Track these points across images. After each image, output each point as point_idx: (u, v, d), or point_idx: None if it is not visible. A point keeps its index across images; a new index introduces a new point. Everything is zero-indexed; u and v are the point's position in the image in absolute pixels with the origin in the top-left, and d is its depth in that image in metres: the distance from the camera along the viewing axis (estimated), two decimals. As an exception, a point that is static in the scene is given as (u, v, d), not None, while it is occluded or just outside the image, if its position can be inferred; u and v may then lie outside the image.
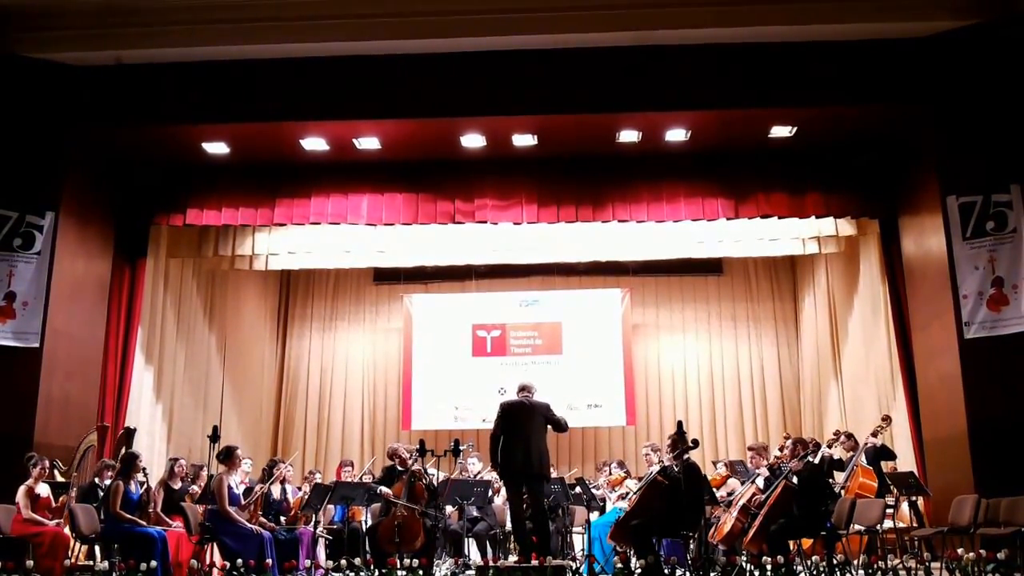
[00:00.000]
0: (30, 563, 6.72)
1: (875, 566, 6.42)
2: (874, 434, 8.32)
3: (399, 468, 8.06)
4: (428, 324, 12.74)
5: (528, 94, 8.32)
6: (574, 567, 6.83)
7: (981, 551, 6.25)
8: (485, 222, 9.31)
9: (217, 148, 8.90)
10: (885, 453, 8.30)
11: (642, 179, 9.15)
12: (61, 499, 7.27)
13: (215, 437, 7.10)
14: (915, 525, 7.76)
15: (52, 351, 8.16)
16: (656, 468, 7.52)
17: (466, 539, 8.11)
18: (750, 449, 8.45)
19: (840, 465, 8.31)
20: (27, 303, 8.08)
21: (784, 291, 13.09)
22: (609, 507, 8.62)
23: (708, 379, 12.91)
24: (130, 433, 8.51)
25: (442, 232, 9.90)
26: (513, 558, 7.32)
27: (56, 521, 7.11)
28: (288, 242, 10.19)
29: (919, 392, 8.63)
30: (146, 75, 8.39)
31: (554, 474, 8.58)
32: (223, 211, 9.29)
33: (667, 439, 7.04)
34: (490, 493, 8.58)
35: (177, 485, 7.84)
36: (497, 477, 8.00)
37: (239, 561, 6.64)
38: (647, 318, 13.10)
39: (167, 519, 7.53)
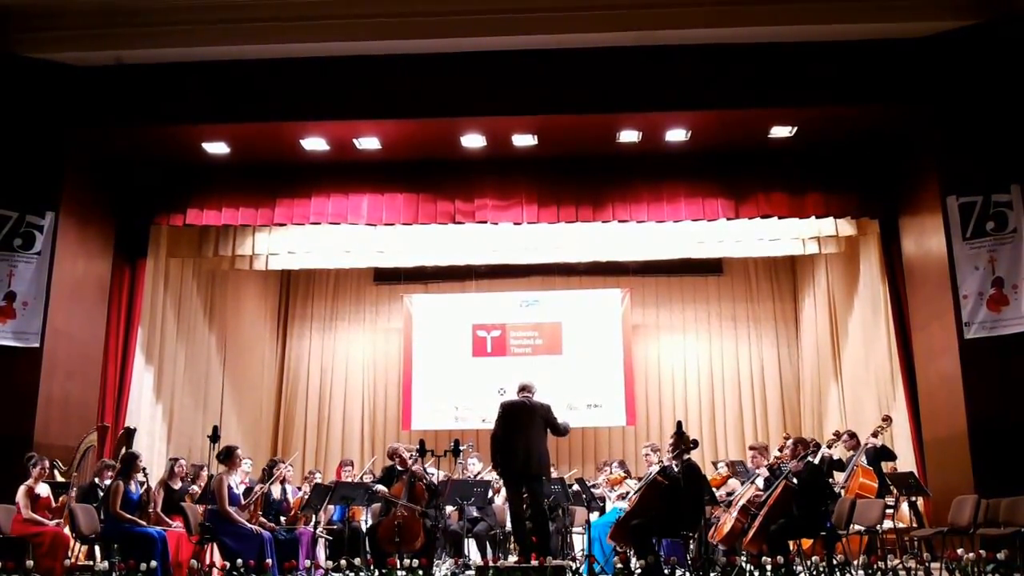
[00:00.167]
0: (30, 563, 6.72)
1: (875, 566, 6.41)
2: (875, 434, 8.32)
3: (399, 468, 8.05)
4: (428, 324, 12.75)
5: (528, 94, 8.32)
6: (574, 567, 6.83)
7: (981, 551, 6.24)
8: (485, 222, 9.31)
9: (217, 148, 8.90)
10: (885, 454, 8.31)
11: (642, 179, 9.15)
12: (61, 499, 7.28)
13: (215, 437, 7.11)
14: (915, 525, 7.76)
15: (52, 351, 8.16)
16: (656, 468, 7.52)
17: (466, 539, 8.11)
18: (751, 448, 8.46)
19: (840, 465, 8.31)
20: (27, 303, 8.09)
21: (784, 291, 13.09)
22: (608, 507, 8.62)
23: (708, 379, 12.91)
24: (130, 433, 8.52)
25: (442, 232, 9.90)
26: (513, 558, 7.32)
27: (56, 521, 7.11)
28: (288, 242, 10.19)
29: (919, 392, 8.63)
30: (146, 75, 8.39)
31: (554, 474, 8.59)
32: (223, 211, 9.29)
33: (669, 439, 7.05)
34: (490, 493, 8.58)
35: (177, 485, 7.84)
36: (497, 477, 8.00)
37: (239, 561, 6.65)
38: (647, 318, 13.10)
39: (167, 519, 7.53)
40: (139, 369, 9.48)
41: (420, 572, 6.58)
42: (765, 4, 7.91)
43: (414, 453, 7.88)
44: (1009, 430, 7.32)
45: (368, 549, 7.63)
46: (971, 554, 6.27)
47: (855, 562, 6.96)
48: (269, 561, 6.85)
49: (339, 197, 9.30)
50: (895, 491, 7.90)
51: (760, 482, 7.56)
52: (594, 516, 8.23)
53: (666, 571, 6.64)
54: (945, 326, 7.89)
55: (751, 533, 6.93)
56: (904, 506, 7.91)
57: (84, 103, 8.38)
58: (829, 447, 8.22)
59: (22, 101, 8.26)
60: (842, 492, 7.78)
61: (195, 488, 8.11)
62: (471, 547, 8.28)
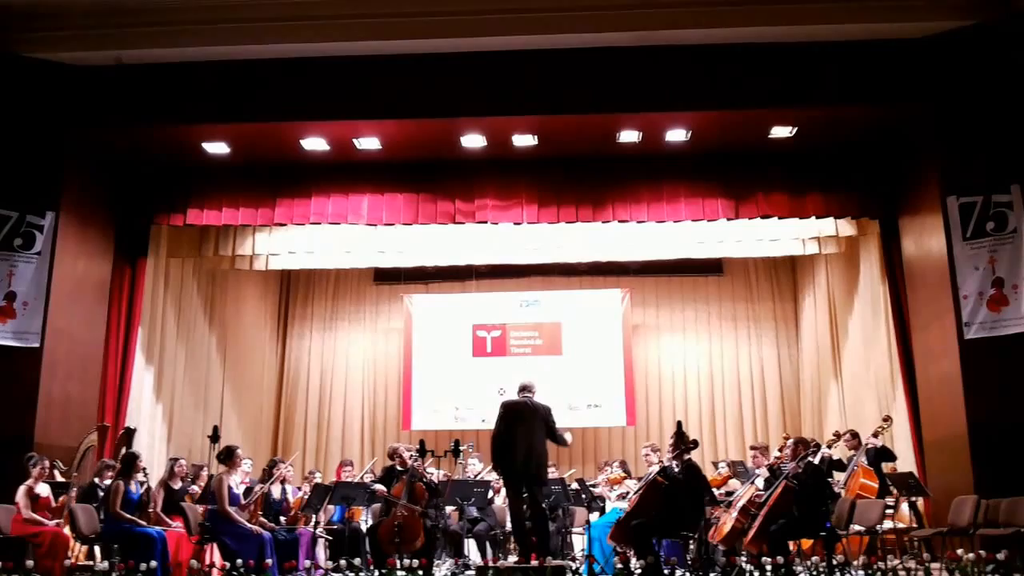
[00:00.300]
0: (30, 563, 6.72)
1: (875, 567, 6.41)
2: (875, 434, 8.32)
3: (399, 468, 8.05)
4: (428, 324, 12.74)
5: (528, 94, 8.33)
6: (574, 567, 6.83)
7: (981, 552, 6.23)
8: (485, 222, 9.32)
9: (217, 148, 8.90)
10: (886, 454, 8.29)
11: (642, 179, 9.16)
12: (61, 499, 7.28)
13: (215, 437, 7.12)
14: (915, 526, 7.75)
15: (52, 351, 8.17)
16: (656, 468, 7.52)
17: (466, 539, 8.11)
18: (752, 448, 8.47)
19: (840, 465, 8.31)
20: (27, 303, 8.09)
21: (784, 291, 13.08)
22: (608, 507, 8.62)
23: (708, 379, 12.91)
24: (130, 433, 8.52)
25: (442, 232, 9.90)
26: (513, 558, 7.32)
27: (56, 521, 7.11)
28: (288, 242, 10.19)
29: (919, 393, 8.63)
30: (146, 75, 8.39)
31: (555, 474, 8.60)
32: (223, 211, 9.29)
33: (669, 439, 7.05)
34: (490, 493, 8.58)
35: (177, 485, 7.83)
36: (497, 477, 8.00)
37: (239, 561, 6.63)
38: (647, 318, 13.09)
39: (167, 519, 7.52)
40: (139, 369, 9.48)
41: (420, 572, 6.57)
42: (765, 4, 7.91)
43: (414, 453, 7.88)
44: (1009, 430, 7.32)
45: (368, 549, 7.63)
46: (971, 554, 6.26)
47: (855, 562, 6.96)
48: (269, 561, 6.84)
49: (339, 197, 9.30)
50: (895, 491, 7.89)
51: (760, 482, 7.56)
52: (594, 516, 8.23)
53: (666, 571, 6.64)
54: (945, 326, 7.88)
55: (751, 533, 6.93)
56: (904, 506, 7.91)
57: (84, 103, 8.38)
58: (829, 447, 8.22)
59: (22, 101, 8.27)
60: (842, 492, 7.78)
61: (195, 488, 8.10)
62: (471, 547, 8.28)
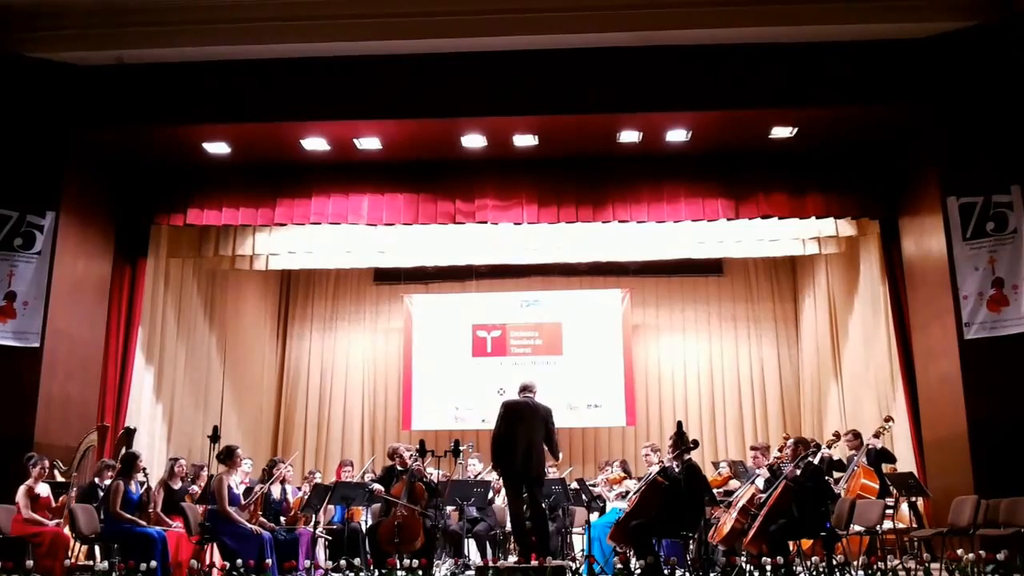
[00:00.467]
0: (30, 563, 6.73)
1: (875, 567, 6.41)
2: (876, 435, 8.31)
3: (399, 468, 8.05)
4: (428, 324, 12.74)
5: (529, 94, 8.33)
6: (574, 567, 6.83)
7: (981, 552, 6.24)
8: (485, 222, 9.31)
9: (218, 148, 8.90)
10: (885, 456, 8.28)
11: (642, 179, 9.16)
12: (61, 499, 7.28)
13: (215, 437, 7.11)
14: (915, 526, 7.75)
15: (52, 351, 8.17)
16: (656, 468, 7.52)
17: (466, 539, 8.11)
18: (753, 448, 8.46)
19: (840, 466, 8.31)
20: (27, 303, 8.09)
21: (784, 292, 13.08)
22: (608, 507, 8.62)
23: (708, 379, 12.91)
24: (130, 433, 8.52)
25: (442, 232, 9.90)
26: (513, 558, 7.32)
27: (56, 521, 7.12)
28: (288, 242, 10.19)
29: (919, 393, 8.63)
30: (147, 75, 8.40)
31: (555, 474, 8.60)
32: (223, 211, 9.29)
33: (669, 439, 7.05)
34: (490, 494, 8.59)
35: (177, 485, 7.84)
36: (497, 477, 8.00)
37: (239, 561, 6.64)
38: (647, 318, 13.09)
39: (167, 519, 7.53)
40: (139, 369, 9.48)
41: (420, 572, 6.58)
42: (766, 4, 7.91)
43: (414, 453, 7.88)
44: (1009, 430, 7.32)
45: (368, 549, 7.63)
46: (971, 555, 6.26)
47: (855, 563, 6.96)
48: (269, 561, 6.85)
49: (339, 197, 9.30)
50: (895, 492, 7.89)
51: (760, 482, 7.56)
52: (594, 516, 8.23)
53: (666, 571, 6.64)
54: (945, 326, 7.89)
55: (751, 534, 6.93)
56: (904, 507, 7.91)
57: (85, 103, 8.39)
58: (829, 447, 8.22)
59: (23, 100, 8.27)
60: (842, 492, 7.78)
61: (195, 488, 8.11)
62: (471, 547, 8.28)
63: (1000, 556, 6.16)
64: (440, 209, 9.24)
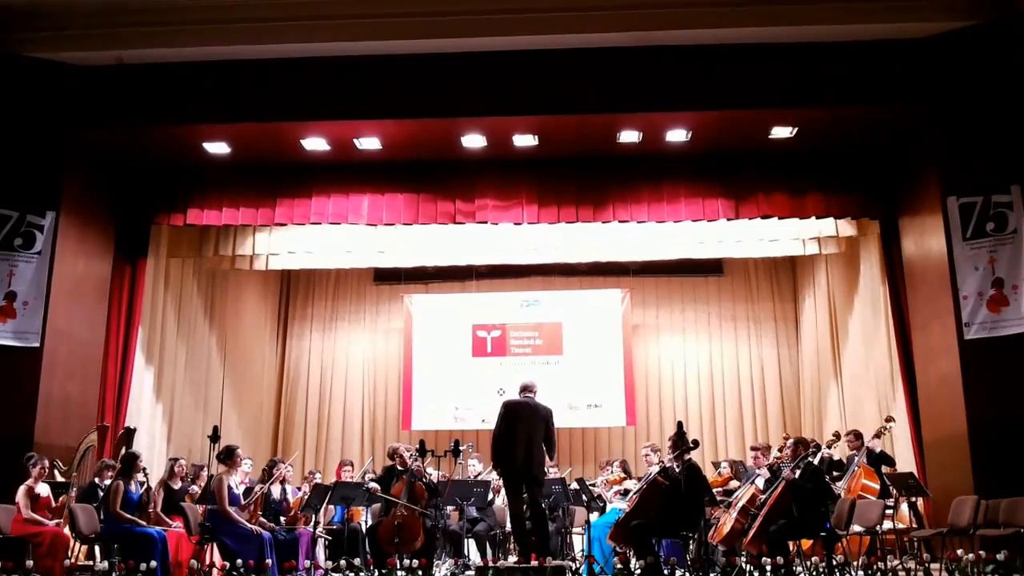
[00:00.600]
0: (30, 563, 6.73)
1: (874, 567, 6.41)
2: (878, 435, 8.31)
3: (399, 468, 8.05)
4: (428, 324, 12.74)
5: (529, 94, 8.32)
6: (574, 567, 6.83)
7: (981, 552, 6.24)
8: (486, 222, 9.31)
9: (218, 148, 8.90)
10: (885, 460, 8.28)
11: (643, 179, 9.15)
12: (61, 499, 7.28)
13: (215, 437, 7.11)
14: (915, 526, 7.75)
15: (52, 351, 8.17)
16: (656, 468, 7.52)
17: (466, 539, 8.11)
18: (753, 448, 8.46)
19: (839, 466, 8.31)
20: (27, 303, 8.09)
21: (784, 292, 13.08)
22: (608, 507, 8.62)
23: (708, 379, 12.91)
24: (130, 433, 8.52)
25: (442, 232, 9.90)
26: (513, 558, 7.32)
27: (56, 521, 7.12)
28: (288, 242, 10.19)
29: (919, 393, 8.63)
30: (147, 75, 8.40)
31: (556, 474, 8.60)
32: (224, 211, 9.29)
33: (668, 440, 7.05)
34: (490, 494, 8.59)
35: (177, 485, 7.84)
36: (497, 477, 8.00)
37: (239, 561, 6.64)
38: (647, 318, 13.09)
39: (167, 519, 7.53)
40: (139, 369, 9.48)
41: (420, 572, 6.58)
42: (766, 4, 7.91)
43: (414, 453, 7.88)
44: (1009, 430, 7.32)
45: (368, 549, 7.63)
46: (971, 555, 6.27)
47: (855, 563, 6.96)
48: (269, 561, 6.85)
49: (339, 197, 9.30)
50: (895, 492, 7.89)
51: (760, 483, 7.56)
52: (594, 516, 8.23)
53: (666, 571, 6.64)
54: (945, 326, 7.89)
55: (751, 534, 6.93)
56: (904, 507, 7.91)
57: (85, 103, 8.38)
58: (829, 447, 8.22)
59: (23, 101, 8.27)
60: (842, 493, 7.78)
61: (195, 488, 8.10)
62: (471, 547, 8.28)
63: (1000, 556, 6.16)
64: (440, 209, 9.24)
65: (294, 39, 8.18)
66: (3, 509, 7.07)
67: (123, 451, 8.04)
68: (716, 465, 9.45)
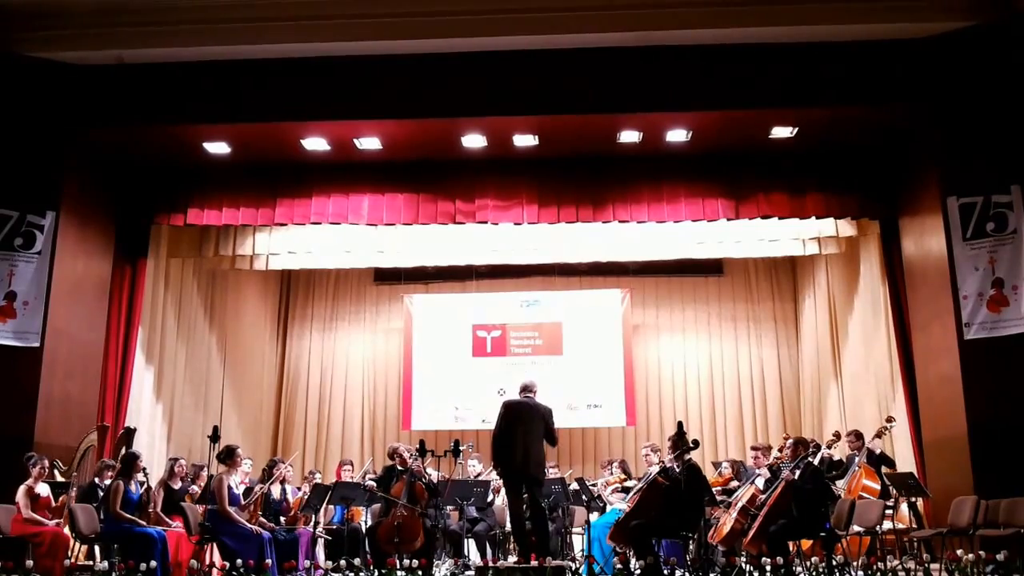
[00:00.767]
0: (30, 563, 6.73)
1: (874, 567, 6.41)
2: (878, 435, 8.31)
3: (399, 468, 8.05)
4: (428, 324, 12.74)
5: (529, 94, 8.32)
6: (573, 568, 6.83)
7: (980, 552, 6.24)
8: (486, 222, 9.31)
9: (218, 148, 8.90)
10: (885, 461, 8.28)
11: (643, 179, 9.16)
12: (61, 499, 7.28)
13: (215, 437, 7.11)
14: (914, 526, 7.75)
15: (52, 351, 8.17)
16: (656, 468, 7.52)
17: (466, 539, 8.12)
18: (753, 448, 8.46)
19: (839, 466, 8.30)
20: (28, 303, 8.09)
21: (784, 292, 13.08)
22: (607, 507, 8.62)
23: (708, 379, 12.91)
24: (130, 433, 8.52)
25: (443, 232, 9.89)
26: (513, 558, 7.32)
27: (56, 521, 7.12)
28: (288, 242, 10.19)
29: (919, 393, 8.63)
30: (147, 75, 8.40)
31: (556, 474, 8.60)
32: (224, 211, 9.29)
33: (668, 440, 7.05)
34: (490, 495, 8.59)
35: (177, 485, 7.84)
36: (497, 477, 8.00)
37: (239, 561, 6.64)
38: (647, 318, 13.09)
39: (167, 519, 7.53)
40: (139, 369, 9.48)
41: (420, 572, 6.58)
42: (766, 5, 7.91)
43: (414, 453, 7.88)
44: (1009, 431, 7.32)
45: (368, 549, 7.63)
46: (970, 555, 6.27)
47: (855, 563, 6.96)
48: (269, 561, 6.85)
49: (339, 197, 9.30)
50: (895, 492, 7.89)
51: (760, 483, 7.56)
52: (594, 516, 8.23)
53: (666, 571, 6.64)
54: (945, 327, 7.89)
55: (751, 534, 6.93)
56: (904, 507, 7.91)
57: (85, 103, 8.38)
58: (829, 447, 8.22)
59: (23, 100, 8.27)
60: (842, 493, 7.78)
61: (195, 488, 8.11)
62: (471, 547, 8.29)
63: (1000, 556, 6.16)
64: (440, 209, 9.24)
65: (294, 39, 8.18)
66: (3, 509, 7.07)
67: (123, 451, 8.04)
68: (716, 465, 9.45)
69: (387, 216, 9.25)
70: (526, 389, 7.20)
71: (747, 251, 10.45)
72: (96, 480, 7.79)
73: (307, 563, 7.37)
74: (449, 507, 8.23)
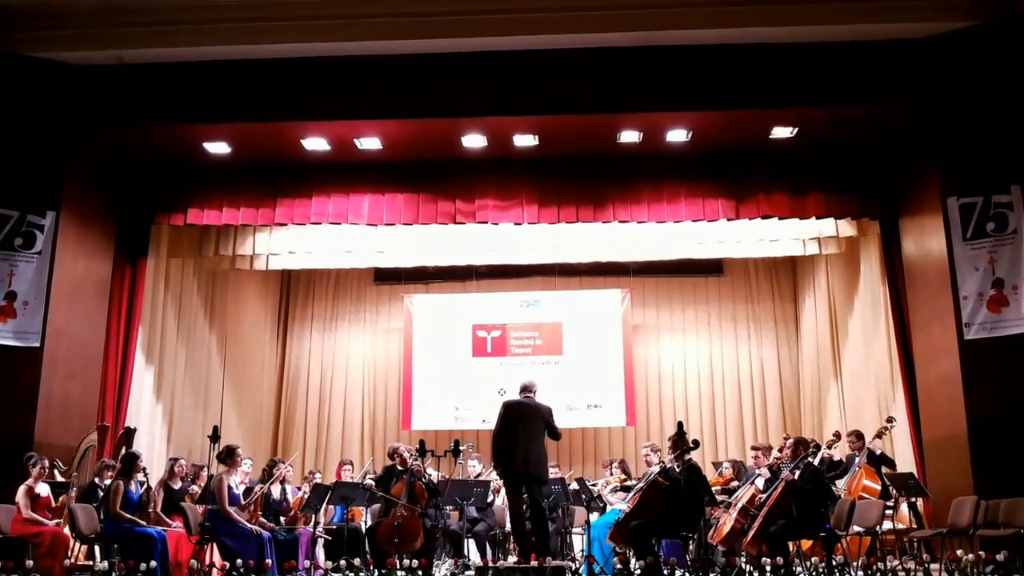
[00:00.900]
0: (30, 563, 6.73)
1: (874, 568, 6.41)
2: (879, 435, 8.31)
3: (399, 468, 8.05)
4: (428, 324, 12.74)
5: (529, 94, 8.32)
6: (573, 568, 6.83)
7: (980, 552, 6.24)
8: (486, 222, 9.31)
9: (218, 148, 8.90)
10: (885, 461, 8.28)
11: (643, 179, 9.16)
12: (61, 499, 7.28)
13: (215, 437, 7.11)
14: (914, 527, 7.75)
15: (53, 351, 8.17)
16: (656, 469, 7.52)
17: (466, 539, 8.12)
18: (754, 448, 8.46)
19: (839, 466, 8.30)
20: (28, 303, 8.09)
21: (784, 292, 13.08)
22: (607, 507, 8.62)
23: (708, 379, 12.91)
24: (130, 433, 8.52)
25: (443, 232, 9.89)
26: (513, 558, 7.32)
27: (56, 521, 7.12)
28: (288, 242, 10.18)
29: (919, 393, 8.63)
30: (147, 75, 8.40)
31: (556, 474, 8.60)
32: (224, 211, 9.29)
33: (668, 440, 7.05)
34: (490, 495, 8.59)
35: (177, 485, 7.84)
36: (497, 477, 8.01)
37: (239, 561, 6.65)
38: (647, 319, 13.10)
39: (167, 519, 7.53)
40: (139, 369, 9.48)
41: (420, 572, 6.58)
42: (766, 4, 7.92)
43: (414, 453, 7.88)
44: (1009, 431, 7.32)
45: (368, 549, 7.63)
46: (970, 555, 6.27)
47: (854, 563, 6.96)
48: (269, 561, 6.85)
49: (340, 197, 9.30)
50: (894, 492, 7.89)
51: (760, 483, 7.56)
52: (594, 516, 8.23)
53: (665, 572, 6.64)
54: (945, 327, 7.89)
55: (751, 534, 6.93)
56: (903, 507, 7.91)
57: (85, 103, 8.38)
58: (829, 447, 8.22)
59: (23, 100, 8.27)
60: (842, 493, 7.77)
61: (195, 488, 8.11)
62: (471, 547, 8.29)
63: (1000, 557, 6.17)
64: (440, 209, 9.24)
65: (294, 39, 8.18)
66: (3, 509, 7.07)
67: (123, 451, 8.04)
68: (716, 465, 9.45)
69: (387, 216, 9.25)
70: (526, 389, 7.20)
71: (747, 251, 10.45)
72: (96, 480, 7.79)
73: (307, 563, 7.37)
74: (449, 507, 8.23)
